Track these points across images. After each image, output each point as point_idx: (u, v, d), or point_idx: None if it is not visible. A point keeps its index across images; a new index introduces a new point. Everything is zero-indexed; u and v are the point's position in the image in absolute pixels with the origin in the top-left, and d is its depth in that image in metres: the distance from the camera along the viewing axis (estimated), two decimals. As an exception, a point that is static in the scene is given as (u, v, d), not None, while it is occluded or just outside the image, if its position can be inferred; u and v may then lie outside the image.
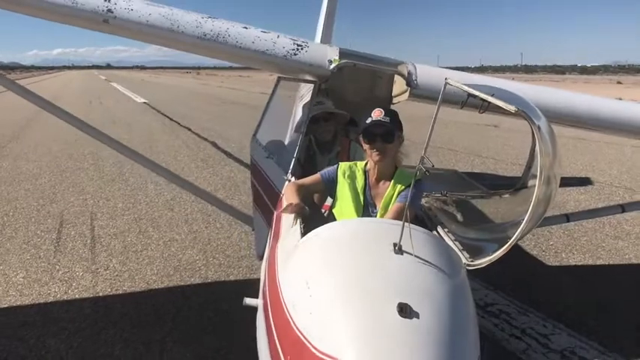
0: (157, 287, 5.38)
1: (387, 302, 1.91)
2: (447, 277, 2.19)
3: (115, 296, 5.19)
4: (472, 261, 2.63)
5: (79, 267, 5.88)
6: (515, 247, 6.09)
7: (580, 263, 6.18)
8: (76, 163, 12.19)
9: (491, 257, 2.55)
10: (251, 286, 3.09)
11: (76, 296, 5.18)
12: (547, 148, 2.33)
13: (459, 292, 2.22)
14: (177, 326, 4.52)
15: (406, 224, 2.22)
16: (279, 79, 4.88)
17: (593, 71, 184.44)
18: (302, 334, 1.96)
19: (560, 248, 6.59)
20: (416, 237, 2.26)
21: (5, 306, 4.98)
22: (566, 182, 10.35)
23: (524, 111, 2.34)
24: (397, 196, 3.05)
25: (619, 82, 76.59)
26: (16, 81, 4.69)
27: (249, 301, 2.98)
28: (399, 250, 2.19)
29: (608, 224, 7.55)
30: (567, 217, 4.79)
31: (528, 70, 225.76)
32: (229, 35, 3.62)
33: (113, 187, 9.74)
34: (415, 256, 2.18)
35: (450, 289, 2.14)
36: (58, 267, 5.89)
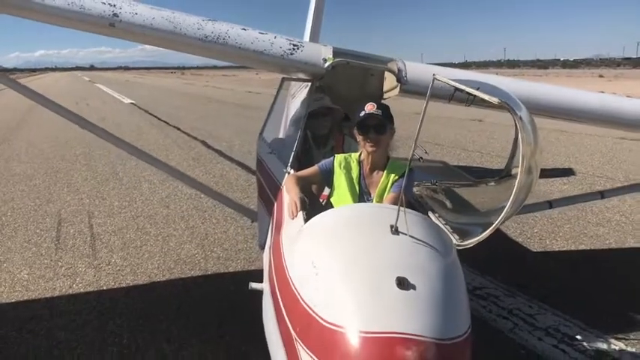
0: (158, 280, 5.58)
1: (386, 276, 2.12)
2: (439, 255, 2.41)
3: (119, 289, 5.38)
4: (461, 242, 2.85)
5: (81, 263, 6.06)
6: (502, 235, 6.41)
7: (563, 249, 6.47)
8: (69, 164, 12.31)
9: (478, 238, 2.78)
10: (250, 276, 3.29)
11: (81, 290, 5.36)
12: (528, 138, 2.55)
13: (450, 267, 2.43)
14: (181, 316, 4.72)
15: (402, 208, 2.44)
16: (282, 80, 5.11)
17: (576, 65, 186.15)
18: (310, 307, 2.17)
19: (544, 235, 6.88)
20: (411, 219, 2.49)
21: (13, 301, 5.16)
22: (550, 173, 10.68)
23: (506, 102, 2.57)
24: (391, 185, 3.28)
25: (601, 76, 77.41)
26: None
27: (254, 285, 3.21)
28: (395, 231, 2.40)
29: (590, 212, 7.86)
30: (550, 204, 5.06)
31: (511, 64, 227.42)
32: (229, 37, 3.83)
33: (108, 187, 9.89)
34: (410, 236, 2.40)
35: (442, 265, 2.36)
36: (60, 263, 6.06)
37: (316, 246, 2.52)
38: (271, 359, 2.62)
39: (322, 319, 2.07)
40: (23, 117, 23.18)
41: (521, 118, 2.55)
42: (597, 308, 4.80)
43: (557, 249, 6.46)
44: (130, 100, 34.83)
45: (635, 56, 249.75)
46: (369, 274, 2.19)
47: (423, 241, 2.42)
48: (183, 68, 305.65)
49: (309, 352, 2.06)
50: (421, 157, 2.67)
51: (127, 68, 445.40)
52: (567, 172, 10.94)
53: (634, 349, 4.12)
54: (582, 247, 6.55)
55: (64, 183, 10.33)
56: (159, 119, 22.21)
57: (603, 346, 4.15)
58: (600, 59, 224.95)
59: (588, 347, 4.14)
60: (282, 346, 2.37)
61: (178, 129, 18.72)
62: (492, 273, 5.55)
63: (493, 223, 2.70)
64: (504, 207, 2.62)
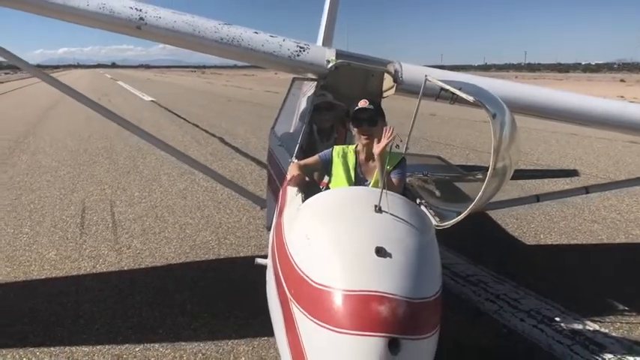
0: (175, 262, 6.04)
1: (367, 246, 2.52)
2: (416, 231, 2.79)
3: (139, 270, 5.84)
4: (441, 222, 3.24)
5: (104, 246, 6.54)
6: (499, 229, 6.77)
7: (556, 243, 6.83)
8: (92, 157, 12.87)
9: (454, 220, 3.16)
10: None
11: (104, 270, 5.83)
12: (499, 133, 2.91)
13: (425, 242, 2.81)
14: (195, 293, 5.16)
15: (384, 190, 2.83)
16: (293, 79, 5.56)
17: (597, 69, 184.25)
18: (303, 272, 2.58)
19: (539, 230, 7.23)
20: (393, 200, 2.88)
21: (43, 277, 5.64)
22: (555, 174, 11.02)
23: (480, 101, 2.95)
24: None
25: (622, 80, 76.80)
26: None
27: (259, 260, 3.65)
28: (378, 210, 2.79)
29: (587, 210, 8.20)
30: (537, 198, 5.45)
31: (532, 68, 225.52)
32: (242, 39, 4.27)
33: (129, 179, 10.41)
34: (391, 214, 2.79)
35: (418, 239, 2.74)
36: (85, 246, 6.54)
37: (310, 221, 2.93)
38: (272, 320, 3.05)
39: (312, 281, 2.47)
40: (45, 113, 23.98)
41: (494, 115, 2.90)
42: (578, 295, 5.16)
43: (550, 243, 6.82)
44: (150, 98, 35.58)
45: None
46: (352, 243, 2.59)
47: (403, 219, 2.80)
48: (204, 67, 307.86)
49: (301, 309, 2.47)
50: (397, 145, 3.04)
51: (148, 66, 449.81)
52: (571, 173, 11.25)
53: (607, 330, 4.48)
54: (574, 241, 6.89)
55: (88, 174, 10.87)
56: (178, 116, 22.81)
57: (579, 326, 4.52)
58: (623, 63, 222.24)
59: (565, 327, 4.50)
60: (280, 306, 2.78)
61: (197, 126, 19.28)
62: (485, 263, 5.92)
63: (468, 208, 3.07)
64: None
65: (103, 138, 15.76)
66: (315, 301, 2.41)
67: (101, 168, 11.54)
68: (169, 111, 25.62)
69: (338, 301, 2.30)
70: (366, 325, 2.19)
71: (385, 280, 2.36)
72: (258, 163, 11.94)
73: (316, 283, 2.44)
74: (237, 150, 13.97)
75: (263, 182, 9.45)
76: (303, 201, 3.27)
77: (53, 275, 5.70)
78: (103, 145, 14.48)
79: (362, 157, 3.76)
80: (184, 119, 21.61)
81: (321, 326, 2.30)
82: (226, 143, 15.16)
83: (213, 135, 16.82)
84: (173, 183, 9.99)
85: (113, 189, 9.55)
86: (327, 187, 3.86)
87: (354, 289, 2.31)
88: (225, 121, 20.88)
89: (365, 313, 2.23)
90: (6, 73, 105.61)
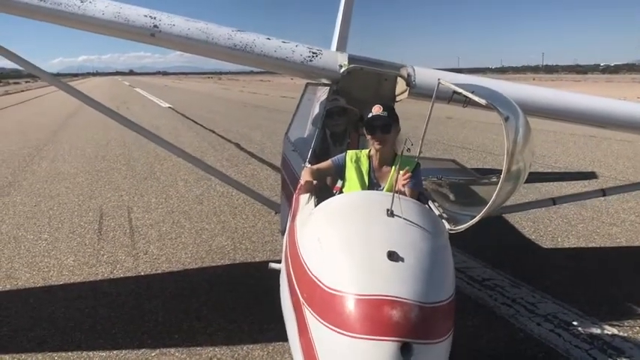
0: (191, 268, 6.08)
1: (379, 250, 2.52)
2: (429, 235, 2.79)
3: (155, 275, 5.89)
4: (454, 226, 3.23)
5: (121, 252, 6.60)
6: (515, 232, 6.73)
7: (574, 246, 6.76)
8: (110, 164, 13.00)
9: (467, 225, 3.14)
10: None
11: (121, 275, 5.89)
12: (513, 136, 2.89)
13: (438, 246, 2.81)
14: (211, 298, 5.19)
15: (397, 195, 2.83)
16: (306, 85, 5.58)
17: (616, 70, 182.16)
18: (315, 276, 2.59)
19: (557, 233, 7.16)
20: (405, 205, 2.88)
21: (61, 283, 5.71)
22: (572, 176, 10.92)
23: (492, 104, 2.95)
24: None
25: (642, 81, 75.86)
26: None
27: (273, 265, 3.67)
28: (391, 214, 2.79)
29: (605, 212, 8.11)
30: (553, 201, 5.41)
31: (549, 70, 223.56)
32: (255, 45, 4.30)
33: (146, 185, 10.51)
34: (404, 218, 2.79)
35: (430, 243, 2.74)
36: (102, 252, 6.61)
37: (322, 225, 2.94)
38: (285, 324, 3.07)
39: (325, 285, 2.48)
40: (65, 121, 24.32)
41: (507, 118, 2.89)
42: (596, 299, 5.10)
43: (567, 246, 6.75)
44: (167, 105, 35.88)
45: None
46: (364, 248, 2.59)
47: (415, 223, 2.79)
48: (220, 73, 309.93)
49: (314, 313, 2.47)
50: (408, 149, 3.04)
51: (165, 73, 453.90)
52: (589, 176, 11.13)
53: (625, 334, 4.43)
54: (592, 244, 6.81)
55: (105, 181, 10.98)
56: (195, 123, 22.97)
57: (597, 331, 4.47)
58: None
59: (582, 332, 4.45)
60: (293, 311, 2.79)
61: (213, 132, 19.40)
62: (501, 266, 5.88)
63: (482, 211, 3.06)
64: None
65: (121, 145, 15.93)
66: (327, 305, 2.41)
67: (119, 174, 11.65)
68: (186, 117, 25.81)
69: (350, 305, 2.31)
70: (379, 330, 2.19)
71: (397, 284, 2.36)
72: (274, 168, 11.99)
73: (328, 288, 2.45)
74: (252, 155, 14.04)
75: (278, 187, 9.52)
76: (315, 205, 3.28)
77: (71, 281, 5.76)
78: (120, 152, 14.64)
79: (375, 162, 3.76)
80: (201, 125, 21.75)
81: (334, 330, 2.30)
82: (242, 149, 15.23)
83: (229, 141, 16.92)
84: (190, 189, 10.07)
85: (130, 195, 9.65)
86: (341, 192, 3.87)
87: (366, 293, 2.31)
88: (241, 127, 21.00)
89: (377, 318, 2.23)
90: (26, 82, 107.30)
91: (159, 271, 5.98)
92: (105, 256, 6.45)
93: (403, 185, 3.23)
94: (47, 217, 8.29)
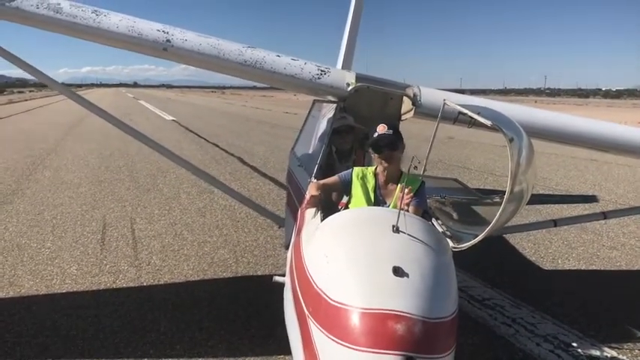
0: (193, 279, 6.12)
1: (384, 265, 2.57)
2: (433, 252, 2.84)
3: (158, 286, 5.93)
4: (457, 244, 3.28)
5: (123, 262, 6.64)
6: (516, 253, 6.77)
7: (574, 268, 6.80)
8: (113, 175, 13.07)
9: (470, 243, 3.20)
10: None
11: (123, 285, 5.93)
12: (517, 157, 2.96)
13: (442, 263, 2.86)
14: (213, 310, 5.23)
15: (402, 212, 2.89)
16: (314, 102, 5.67)
17: (618, 95, 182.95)
18: (321, 290, 2.63)
19: (557, 256, 7.21)
20: (410, 222, 2.94)
21: (64, 291, 5.75)
22: (573, 199, 10.98)
23: (497, 125, 3.02)
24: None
25: (643, 107, 76.17)
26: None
27: (278, 278, 3.72)
28: (396, 230, 2.84)
29: (606, 236, 8.15)
30: (555, 222, 5.47)
31: (551, 93, 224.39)
32: (265, 62, 4.39)
33: (149, 196, 10.57)
34: (409, 234, 2.85)
35: (435, 260, 2.79)
36: (105, 262, 6.65)
37: (329, 240, 2.99)
38: (289, 337, 3.10)
39: (330, 299, 2.53)
40: (68, 131, 24.44)
41: (512, 139, 2.95)
42: (597, 321, 5.14)
43: (567, 268, 6.79)
44: (171, 117, 36.06)
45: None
46: (370, 262, 2.64)
47: (420, 240, 2.85)
48: (224, 88, 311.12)
49: (319, 327, 2.52)
50: (415, 167, 3.10)
51: (169, 86, 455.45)
52: (590, 199, 11.19)
53: (625, 357, 4.46)
54: (592, 267, 6.86)
55: (108, 191, 11.04)
56: (199, 136, 23.08)
57: (596, 352, 4.50)
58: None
59: (582, 353, 4.49)
60: (298, 324, 2.83)
61: (217, 146, 19.50)
62: (502, 286, 5.92)
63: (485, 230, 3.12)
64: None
65: (124, 156, 16.00)
66: (332, 318, 2.46)
67: (122, 185, 11.72)
68: (190, 130, 25.93)
69: (355, 319, 2.35)
70: (383, 343, 2.23)
71: (402, 299, 2.41)
72: (277, 182, 12.07)
73: (334, 301, 2.49)
74: (255, 169, 14.11)
75: (281, 202, 9.58)
76: (322, 220, 3.33)
77: (74, 289, 5.80)
78: (124, 163, 14.71)
79: (381, 179, 3.82)
80: (204, 139, 21.86)
81: (339, 343, 2.34)
82: (245, 163, 15.31)
83: (232, 155, 17.00)
84: (192, 201, 10.13)
85: (133, 206, 9.70)
86: (346, 207, 3.93)
87: (371, 307, 2.36)
88: (243, 141, 21.10)
89: (382, 332, 2.27)
90: (30, 91, 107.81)
91: (161, 282, 6.02)
92: (108, 266, 6.49)
93: (406, 204, 3.29)
94: (51, 225, 8.34)
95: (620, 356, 4.48)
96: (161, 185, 11.71)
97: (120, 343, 4.57)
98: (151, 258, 6.81)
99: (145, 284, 5.96)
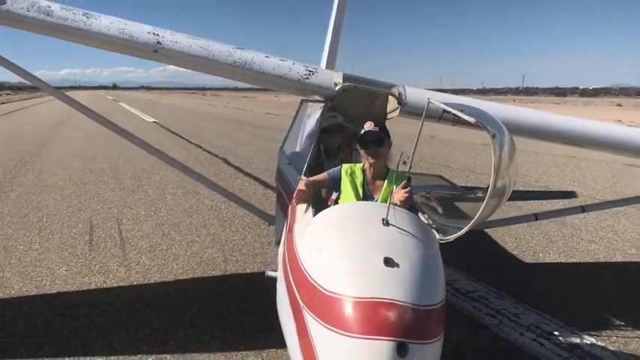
0: (183, 278, 6.19)
1: (376, 256, 2.69)
2: (421, 244, 2.97)
3: (148, 285, 5.99)
4: (443, 237, 3.42)
5: (113, 262, 6.69)
6: (499, 248, 6.96)
7: (554, 261, 7.01)
8: (97, 177, 13.04)
9: (455, 235, 3.33)
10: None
11: (114, 285, 5.98)
12: (499, 153, 3.09)
13: (430, 254, 2.99)
14: (204, 308, 5.31)
15: (391, 206, 3.02)
16: (301, 101, 5.78)
17: (595, 93, 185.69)
18: (315, 281, 2.75)
19: (538, 249, 7.42)
20: (399, 215, 3.07)
21: (54, 292, 5.78)
22: (553, 195, 11.26)
23: (481, 122, 3.15)
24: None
25: (619, 105, 77.45)
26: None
27: (270, 273, 3.82)
28: (386, 223, 2.97)
29: (585, 230, 8.40)
30: (536, 216, 5.66)
31: (529, 92, 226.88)
32: (254, 63, 4.49)
33: (134, 197, 10.59)
34: (398, 227, 2.97)
35: (423, 251, 2.91)
36: (94, 262, 6.69)
37: (321, 233, 3.11)
38: (282, 329, 3.21)
39: (324, 289, 2.64)
40: (50, 134, 24.24)
41: (494, 135, 3.09)
42: (577, 311, 5.33)
43: (548, 261, 7.00)
44: (152, 119, 35.87)
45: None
46: (362, 254, 2.76)
47: (409, 232, 2.98)
48: (204, 89, 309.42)
49: (314, 316, 2.63)
50: (404, 162, 3.23)
51: (148, 88, 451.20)
52: (570, 195, 11.46)
53: (603, 344, 4.65)
54: (572, 260, 7.08)
55: (94, 193, 11.04)
56: (181, 137, 23.04)
57: (577, 340, 4.69)
58: (620, 88, 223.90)
59: (563, 341, 4.67)
60: (292, 314, 2.95)
61: (200, 147, 19.51)
62: (486, 279, 6.10)
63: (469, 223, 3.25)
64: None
65: (108, 158, 15.96)
66: (327, 308, 2.57)
67: (107, 187, 11.71)
68: (172, 132, 25.86)
69: (349, 307, 2.46)
70: (376, 330, 2.35)
71: (393, 288, 2.53)
72: (262, 182, 12.17)
73: (328, 291, 2.61)
74: (240, 170, 14.18)
75: (267, 201, 9.70)
76: (313, 215, 3.45)
77: (65, 290, 5.84)
78: (107, 165, 14.69)
79: (369, 175, 3.95)
80: (187, 140, 21.84)
81: (333, 331, 2.45)
82: (229, 163, 15.37)
83: (216, 155, 17.04)
84: (178, 202, 10.18)
85: (119, 207, 9.72)
86: (336, 203, 4.04)
87: (364, 296, 2.48)
88: (227, 142, 21.14)
89: (375, 319, 2.39)
90: (7, 94, 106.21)
91: (151, 281, 6.09)
92: (97, 266, 6.54)
93: (402, 200, 3.43)
94: (37, 228, 8.34)
95: (599, 343, 4.67)
96: (146, 187, 11.72)
97: (113, 340, 4.64)
98: (140, 258, 6.87)
99: (135, 283, 6.03)
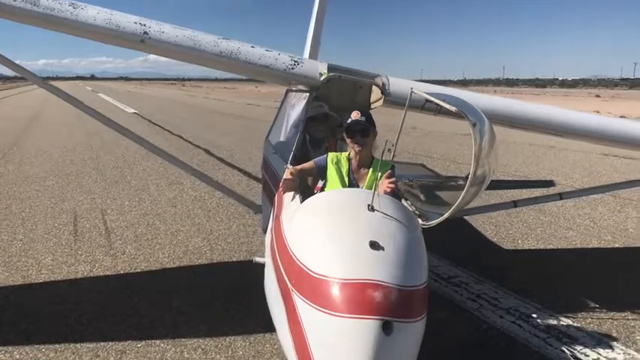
0: (170, 267, 6.26)
1: (362, 240, 2.79)
2: (405, 228, 3.08)
3: (135, 274, 6.05)
4: (426, 222, 3.54)
5: (98, 252, 6.73)
6: (478, 235, 7.12)
7: (533, 248, 7.21)
8: (78, 168, 12.99)
9: (438, 220, 3.46)
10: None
11: (101, 274, 6.03)
12: (480, 141, 3.22)
13: (413, 238, 3.10)
14: (192, 295, 5.38)
15: (376, 192, 3.12)
16: (287, 91, 5.86)
17: (574, 85, 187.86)
18: (303, 264, 2.84)
19: (517, 236, 7.62)
20: (384, 201, 3.18)
21: (41, 281, 5.81)
22: (532, 184, 11.49)
23: (462, 111, 3.28)
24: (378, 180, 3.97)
25: (597, 96, 78.50)
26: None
27: (257, 259, 3.91)
28: (371, 209, 3.08)
29: (563, 218, 8.62)
30: (515, 203, 5.84)
31: (510, 83, 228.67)
32: (240, 53, 4.57)
33: (117, 188, 10.59)
34: (383, 213, 3.08)
35: (406, 235, 3.02)
36: (80, 252, 6.72)
37: (309, 218, 3.21)
38: (271, 313, 3.32)
39: (313, 271, 2.74)
40: (29, 124, 23.97)
41: (474, 124, 3.21)
42: (554, 294, 5.52)
43: (527, 247, 7.20)
44: (132, 110, 35.63)
45: (632, 77, 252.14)
46: (348, 238, 2.86)
47: (393, 217, 3.09)
48: (183, 80, 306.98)
49: (302, 297, 2.73)
50: (389, 149, 3.33)
51: (127, 79, 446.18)
52: (548, 184, 11.70)
53: (579, 325, 4.83)
54: (550, 246, 7.28)
55: (76, 184, 11.00)
56: (162, 128, 22.95)
57: (554, 322, 4.86)
58: (598, 79, 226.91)
59: (541, 323, 4.84)
60: (281, 297, 3.04)
61: (181, 137, 19.48)
62: (466, 265, 6.27)
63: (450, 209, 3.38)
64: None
65: (88, 149, 15.90)
66: (315, 289, 2.67)
67: (89, 178, 11.67)
68: (153, 123, 25.72)
69: (337, 288, 2.57)
70: (363, 310, 2.46)
71: (379, 269, 2.64)
72: (245, 173, 12.23)
73: (316, 274, 2.71)
74: (222, 161, 14.21)
75: (250, 192, 9.78)
76: (301, 202, 3.55)
77: (51, 279, 5.87)
78: (89, 156, 14.62)
79: (354, 164, 4.05)
80: (169, 131, 21.77)
81: (321, 312, 2.55)
82: (211, 154, 15.39)
83: (198, 146, 17.03)
84: (162, 192, 10.20)
85: (103, 198, 9.72)
86: (322, 191, 4.14)
87: (351, 277, 2.58)
88: (208, 133, 21.10)
89: (361, 299, 2.49)
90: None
91: (138, 270, 6.14)
92: (83, 256, 6.57)
93: (387, 192, 3.55)
94: (20, 218, 8.32)
95: (575, 324, 4.85)
96: (129, 177, 11.71)
97: (103, 327, 4.70)
98: (125, 247, 6.91)
99: (122, 272, 6.07)
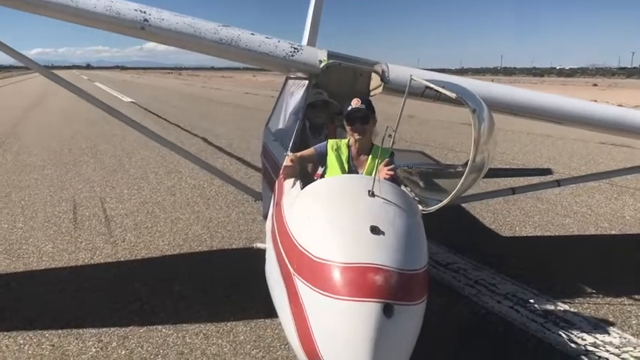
0: (170, 254, 6.30)
1: (363, 225, 2.83)
2: (405, 213, 3.12)
3: (135, 261, 6.09)
4: (425, 207, 3.58)
5: (99, 239, 6.76)
6: (477, 222, 7.17)
7: (530, 235, 7.28)
8: (76, 157, 13.01)
9: (437, 206, 3.50)
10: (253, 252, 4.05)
11: (101, 261, 6.06)
12: (479, 127, 3.24)
13: (413, 223, 3.14)
14: (192, 282, 5.41)
15: (377, 178, 3.16)
16: (286, 79, 5.88)
17: (571, 74, 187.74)
18: (305, 249, 2.88)
19: (515, 224, 7.68)
20: (384, 187, 3.21)
21: (42, 268, 5.85)
22: (529, 173, 11.56)
23: (462, 97, 3.30)
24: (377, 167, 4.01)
25: (595, 85, 78.52)
26: None
27: (259, 245, 3.95)
28: (372, 194, 3.11)
29: (560, 205, 8.68)
30: (513, 190, 5.89)
31: (508, 72, 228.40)
32: (240, 40, 4.58)
33: (116, 177, 10.62)
34: (383, 198, 3.12)
35: (407, 220, 3.06)
36: (80, 240, 6.76)
37: (310, 204, 3.25)
38: (272, 297, 3.36)
39: (314, 256, 2.78)
40: (25, 114, 23.91)
41: (474, 110, 3.23)
42: (551, 280, 5.57)
43: (524, 234, 7.27)
44: (129, 99, 35.51)
45: (630, 66, 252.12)
46: (350, 222, 2.90)
47: (393, 203, 3.12)
48: (180, 69, 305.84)
49: (304, 281, 2.77)
50: (390, 135, 3.36)
51: (123, 68, 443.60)
52: (545, 172, 11.75)
53: (576, 310, 4.90)
54: (547, 233, 7.35)
55: (74, 173, 11.02)
56: (160, 117, 22.93)
57: (551, 307, 4.92)
58: (596, 68, 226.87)
59: (538, 308, 4.90)
60: (283, 281, 3.08)
61: (179, 126, 19.48)
62: (465, 252, 6.32)
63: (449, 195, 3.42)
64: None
65: (86, 138, 15.90)
66: (317, 273, 2.71)
67: (88, 167, 11.69)
68: (150, 112, 25.68)
69: (338, 272, 2.61)
70: (364, 293, 2.50)
71: (380, 253, 2.68)
72: (244, 162, 12.26)
73: (318, 258, 2.75)
74: (221, 150, 14.23)
75: (250, 179, 9.81)
76: (301, 188, 3.58)
77: (52, 266, 5.91)
78: (86, 145, 14.63)
79: (354, 151, 4.07)
80: (166, 120, 21.75)
81: (323, 295, 2.60)
82: (210, 143, 15.41)
83: (196, 135, 17.05)
84: (161, 181, 10.23)
85: (102, 187, 9.75)
86: (322, 178, 4.17)
87: (352, 261, 2.62)
88: (206, 122, 21.11)
89: (362, 282, 2.54)
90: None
91: (138, 257, 6.18)
92: (83, 244, 6.60)
93: (386, 177, 3.58)
94: (20, 207, 8.34)
95: (572, 309, 4.91)
96: (127, 166, 11.74)
97: (105, 313, 4.73)
98: (125, 235, 6.94)
99: (122, 259, 6.11)
